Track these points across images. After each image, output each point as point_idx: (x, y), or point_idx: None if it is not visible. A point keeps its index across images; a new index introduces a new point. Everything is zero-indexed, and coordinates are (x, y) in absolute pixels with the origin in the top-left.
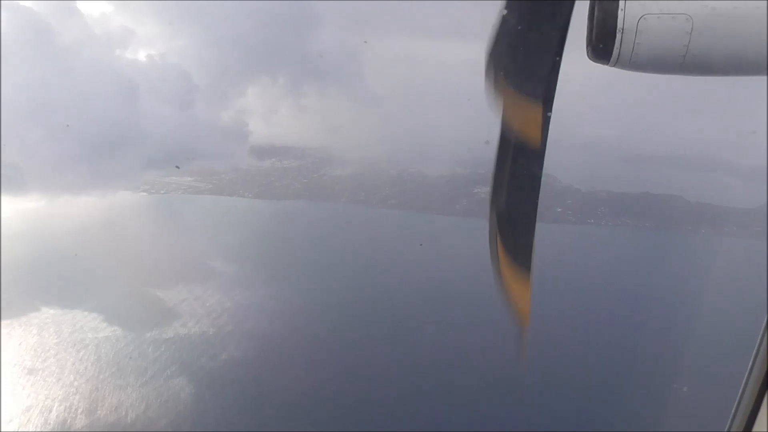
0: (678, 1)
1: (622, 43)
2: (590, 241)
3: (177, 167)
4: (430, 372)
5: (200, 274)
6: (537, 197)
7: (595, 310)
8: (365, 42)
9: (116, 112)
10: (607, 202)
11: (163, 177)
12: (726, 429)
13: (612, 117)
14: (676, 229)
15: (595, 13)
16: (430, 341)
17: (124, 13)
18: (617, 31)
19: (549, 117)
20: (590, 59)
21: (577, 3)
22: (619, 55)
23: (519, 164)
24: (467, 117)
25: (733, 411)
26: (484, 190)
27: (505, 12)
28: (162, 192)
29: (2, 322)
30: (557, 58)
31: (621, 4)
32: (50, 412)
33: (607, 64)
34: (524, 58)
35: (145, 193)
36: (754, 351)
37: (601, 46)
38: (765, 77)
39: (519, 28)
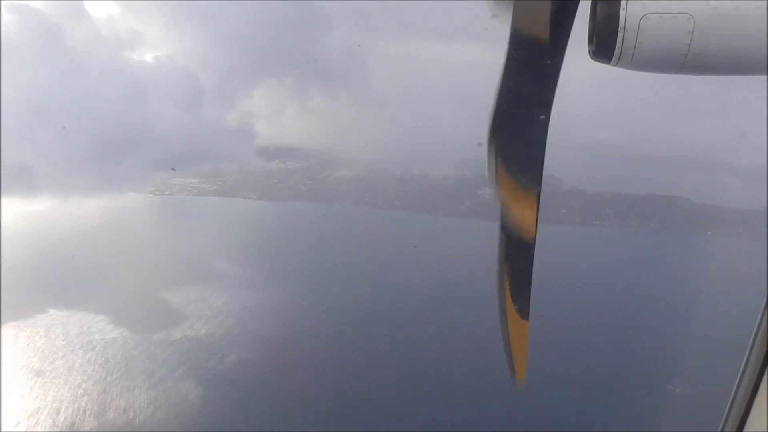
0: (680, 0)
1: (623, 42)
2: (595, 243)
3: (172, 169)
4: (434, 372)
5: (205, 275)
6: (530, 275)
7: (599, 311)
8: (358, 45)
9: (119, 113)
10: (612, 203)
11: (168, 178)
12: (719, 429)
13: (617, 118)
14: (681, 230)
15: (597, 12)
16: (436, 342)
17: (131, 14)
18: (619, 30)
19: (548, 117)
20: (592, 59)
21: (579, 3)
22: (620, 54)
23: (514, 255)
24: (471, 118)
25: (726, 411)
26: (489, 192)
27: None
28: (167, 193)
29: (10, 324)
30: (558, 57)
31: (623, 3)
32: (58, 413)
33: (609, 63)
34: (520, 146)
35: (150, 195)
36: (747, 351)
37: (602, 45)
38: (766, 77)
39: (511, 105)
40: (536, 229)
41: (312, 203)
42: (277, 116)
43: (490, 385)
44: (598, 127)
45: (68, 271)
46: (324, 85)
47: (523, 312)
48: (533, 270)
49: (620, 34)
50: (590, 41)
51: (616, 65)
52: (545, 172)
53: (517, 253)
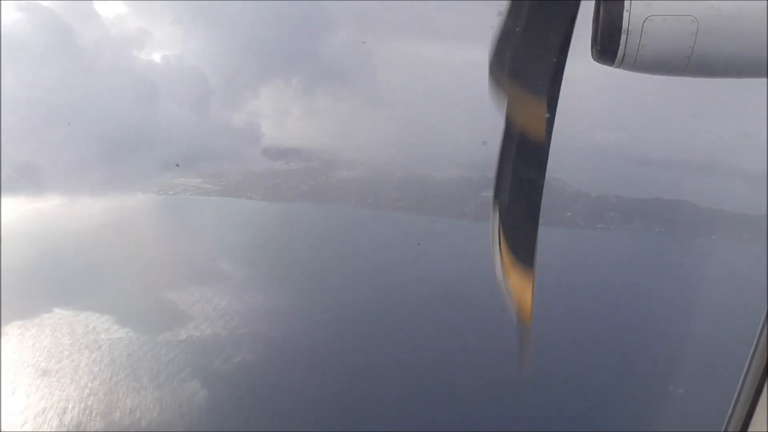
0: (684, 2)
1: (627, 44)
2: (600, 246)
3: (177, 165)
4: (437, 373)
5: (208, 276)
6: (541, 193)
7: (603, 314)
8: (363, 42)
9: (122, 112)
10: (617, 206)
11: (171, 178)
12: (723, 429)
13: (622, 121)
14: (686, 234)
15: (600, 13)
16: (440, 343)
17: (135, 13)
18: (622, 32)
19: (553, 117)
20: (595, 60)
21: (582, 4)
22: (623, 56)
23: (522, 160)
24: (475, 120)
25: (729, 411)
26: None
27: (507, 10)
28: (171, 193)
29: (16, 323)
30: (561, 56)
31: (626, 5)
32: (64, 412)
33: (612, 65)
34: (527, 54)
35: (154, 194)
36: (751, 351)
37: (605, 47)
38: (766, 80)
39: (522, 25)
40: (549, 143)
41: (315, 204)
42: (280, 116)
43: (494, 386)
44: (603, 130)
45: (73, 270)
46: (327, 86)
47: (526, 259)
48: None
49: (623, 36)
50: (593, 43)
51: (619, 67)
52: (549, 174)
53: (527, 159)
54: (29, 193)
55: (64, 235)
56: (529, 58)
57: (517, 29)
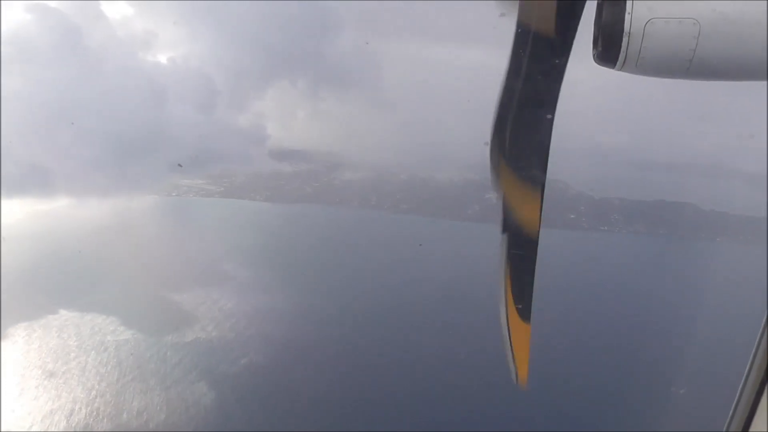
0: (685, 3)
1: (628, 46)
2: (603, 248)
3: (180, 165)
4: (440, 374)
5: (213, 277)
6: (533, 274)
7: (606, 316)
8: (367, 43)
9: (123, 112)
10: (620, 209)
11: (175, 179)
12: (724, 429)
13: (625, 123)
14: (689, 237)
15: (602, 16)
16: (443, 345)
17: (145, 15)
18: (624, 34)
19: (553, 117)
20: (596, 62)
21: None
22: (625, 58)
23: (516, 252)
24: (478, 122)
25: (731, 411)
26: (494, 195)
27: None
28: (174, 194)
29: (21, 324)
30: (563, 56)
31: (628, 7)
32: (71, 415)
33: (613, 67)
34: (523, 142)
35: (158, 196)
36: (753, 351)
37: (607, 49)
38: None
39: (517, 101)
40: (539, 228)
41: (319, 205)
42: (283, 118)
43: (499, 388)
44: (606, 132)
45: (78, 271)
46: (330, 87)
47: (525, 314)
48: (535, 271)
49: (625, 39)
50: (595, 45)
51: (620, 70)
52: (552, 176)
53: (519, 253)
54: (34, 193)
55: (69, 236)
56: (523, 146)
57: (513, 107)
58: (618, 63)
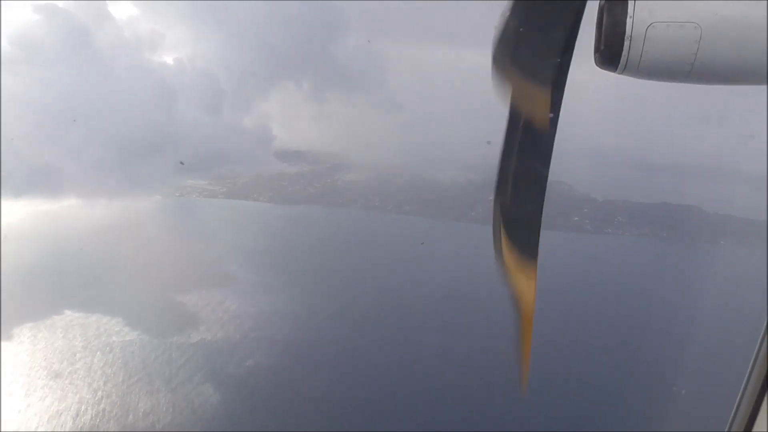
0: (687, 7)
1: (629, 50)
2: (607, 251)
3: (181, 163)
4: (444, 375)
5: (217, 278)
6: (545, 185)
7: (610, 318)
8: (368, 41)
9: (131, 114)
10: (625, 211)
11: (178, 180)
12: (726, 429)
13: (629, 126)
14: (693, 239)
15: (604, 19)
16: (446, 346)
17: (151, 16)
18: (625, 38)
19: (557, 117)
20: (597, 66)
21: (587, 6)
22: (626, 62)
23: (527, 151)
24: (481, 123)
25: (733, 411)
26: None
27: (510, 7)
28: (177, 195)
29: (27, 324)
30: (566, 56)
31: (629, 11)
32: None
33: (615, 71)
34: (530, 45)
35: (161, 197)
36: (755, 352)
37: (608, 53)
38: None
39: (525, 19)
40: (554, 134)
41: (322, 206)
42: (287, 119)
43: (503, 389)
44: (610, 135)
45: (83, 272)
46: (333, 88)
47: (528, 251)
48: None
49: (626, 43)
50: (596, 49)
51: (621, 73)
52: (556, 178)
53: (532, 149)
54: (38, 193)
55: (72, 236)
56: (532, 49)
57: (521, 23)
58: (619, 67)
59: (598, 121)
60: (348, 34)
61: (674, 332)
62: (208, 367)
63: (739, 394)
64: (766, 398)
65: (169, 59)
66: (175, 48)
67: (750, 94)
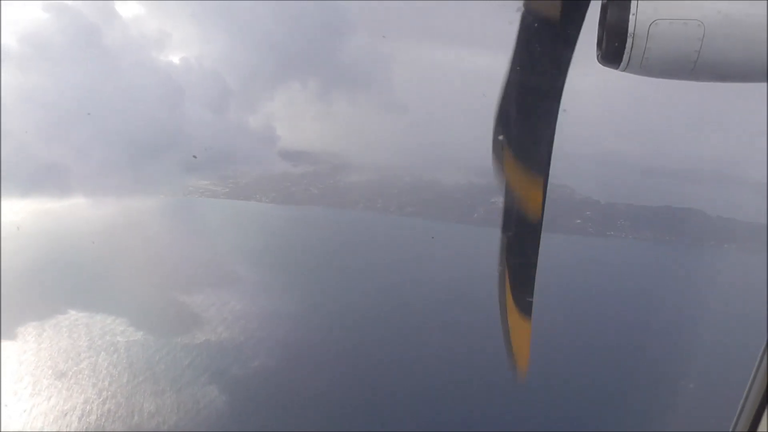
0: (690, 5)
1: (632, 47)
2: (609, 254)
3: (194, 157)
4: (444, 375)
5: (222, 278)
6: (536, 261)
7: (612, 321)
8: (383, 36)
9: (136, 114)
10: (627, 214)
11: (181, 180)
12: (731, 429)
13: (632, 129)
14: (695, 243)
15: (607, 17)
16: (448, 348)
17: (158, 15)
18: (628, 35)
19: (557, 111)
20: (600, 63)
21: (589, 8)
22: (629, 59)
23: (518, 237)
24: (484, 125)
25: (737, 413)
26: (500, 200)
27: (512, 68)
28: (181, 195)
29: (31, 324)
30: (567, 53)
31: (633, 8)
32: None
33: (617, 68)
34: (526, 128)
35: (162, 196)
36: (759, 354)
37: (611, 50)
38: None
39: (522, 92)
40: (542, 220)
41: (324, 207)
42: (290, 120)
43: (504, 390)
44: (613, 138)
45: (87, 272)
46: (336, 89)
47: (525, 310)
48: (537, 265)
49: (629, 40)
50: (599, 46)
51: (624, 71)
52: (558, 181)
53: (520, 246)
54: (43, 192)
55: (75, 235)
56: (527, 131)
57: (517, 94)
58: (622, 64)
59: (601, 123)
60: (354, 34)
61: (677, 335)
62: (214, 367)
63: (743, 396)
64: None
65: (175, 59)
66: (182, 47)
67: (753, 97)
